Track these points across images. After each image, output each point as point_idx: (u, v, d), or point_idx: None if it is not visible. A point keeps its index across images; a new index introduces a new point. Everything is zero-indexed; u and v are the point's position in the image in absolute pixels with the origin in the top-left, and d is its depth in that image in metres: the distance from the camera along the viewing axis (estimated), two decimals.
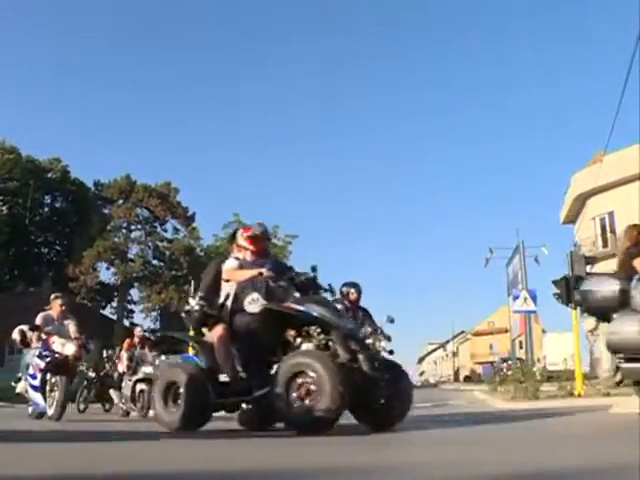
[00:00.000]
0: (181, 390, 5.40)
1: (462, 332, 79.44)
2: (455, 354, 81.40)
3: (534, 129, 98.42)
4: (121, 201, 39.30)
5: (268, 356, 5.13)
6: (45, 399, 7.98)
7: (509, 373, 16.12)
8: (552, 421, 6.09)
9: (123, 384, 11.09)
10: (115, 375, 12.20)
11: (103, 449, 4.25)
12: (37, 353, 8.19)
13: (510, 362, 25.50)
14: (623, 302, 5.35)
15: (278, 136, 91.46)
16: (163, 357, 7.82)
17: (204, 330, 5.73)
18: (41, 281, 38.14)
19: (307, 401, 4.63)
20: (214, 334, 5.35)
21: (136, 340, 11.89)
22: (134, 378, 10.47)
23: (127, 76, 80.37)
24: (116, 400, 11.95)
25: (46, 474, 2.80)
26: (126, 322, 41.47)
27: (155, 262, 39.40)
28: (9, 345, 32.64)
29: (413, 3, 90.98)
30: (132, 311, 43.27)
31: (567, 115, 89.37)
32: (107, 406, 12.89)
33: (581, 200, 35.98)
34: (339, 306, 6.22)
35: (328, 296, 5.58)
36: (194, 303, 5.57)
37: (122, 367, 11.76)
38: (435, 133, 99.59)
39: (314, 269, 5.52)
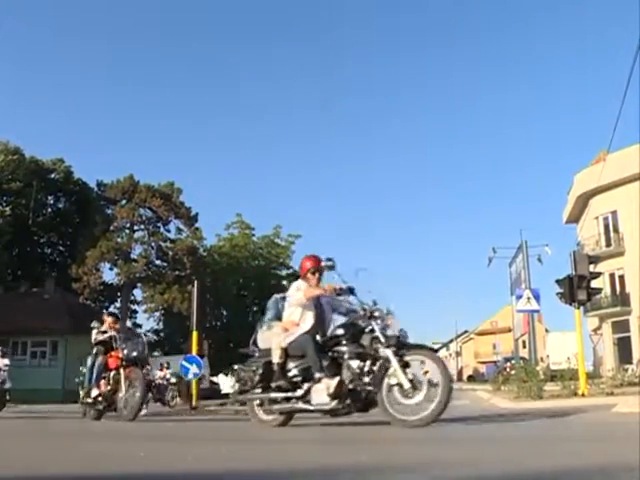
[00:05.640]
0: None
1: (465, 332, 79.37)
2: (458, 354, 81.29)
3: (537, 128, 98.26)
4: (124, 201, 39.35)
5: None
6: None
7: (512, 372, 16.11)
8: (555, 420, 6.08)
9: None
10: None
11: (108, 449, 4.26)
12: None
13: (513, 361, 25.48)
14: None
15: (281, 135, 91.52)
16: None
17: None
18: (44, 281, 38.23)
19: None
20: None
21: None
22: None
23: (130, 76, 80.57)
24: None
25: (48, 475, 2.80)
26: (129, 322, 41.56)
27: (158, 262, 39.45)
28: (12, 344, 32.76)
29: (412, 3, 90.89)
30: (135, 311, 43.40)
31: (570, 114, 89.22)
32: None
33: (584, 199, 35.91)
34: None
35: None
36: None
37: None
38: (437, 132, 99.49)
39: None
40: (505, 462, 2.85)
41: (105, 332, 9.48)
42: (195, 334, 14.68)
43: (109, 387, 8.82)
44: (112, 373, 8.87)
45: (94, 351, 9.46)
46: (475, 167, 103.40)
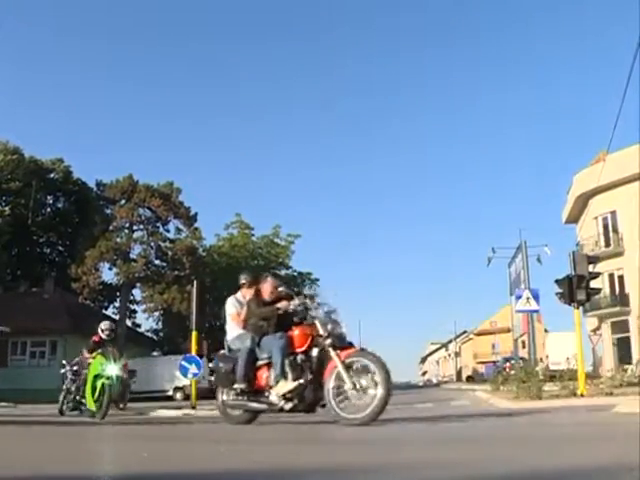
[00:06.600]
0: None
1: (464, 332, 79.37)
2: (457, 354, 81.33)
3: (537, 128, 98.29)
4: (123, 201, 39.29)
5: None
6: None
7: (512, 373, 16.10)
8: (554, 421, 6.08)
9: None
10: None
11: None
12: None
13: (513, 362, 25.47)
14: None
15: (280, 135, 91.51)
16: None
17: None
18: (44, 281, 38.22)
19: None
20: None
21: None
22: None
23: (130, 76, 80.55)
24: None
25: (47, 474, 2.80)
26: (129, 322, 41.55)
27: (157, 262, 39.38)
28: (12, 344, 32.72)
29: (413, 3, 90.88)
30: (135, 311, 43.36)
31: (570, 114, 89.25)
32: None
33: (584, 199, 35.93)
34: None
35: None
36: None
37: None
38: (437, 132, 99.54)
39: None
40: (505, 462, 2.85)
41: (266, 302, 6.63)
42: (195, 334, 14.69)
43: (301, 379, 6.08)
44: (299, 357, 6.21)
45: (239, 330, 6.74)
46: (475, 167, 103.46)
